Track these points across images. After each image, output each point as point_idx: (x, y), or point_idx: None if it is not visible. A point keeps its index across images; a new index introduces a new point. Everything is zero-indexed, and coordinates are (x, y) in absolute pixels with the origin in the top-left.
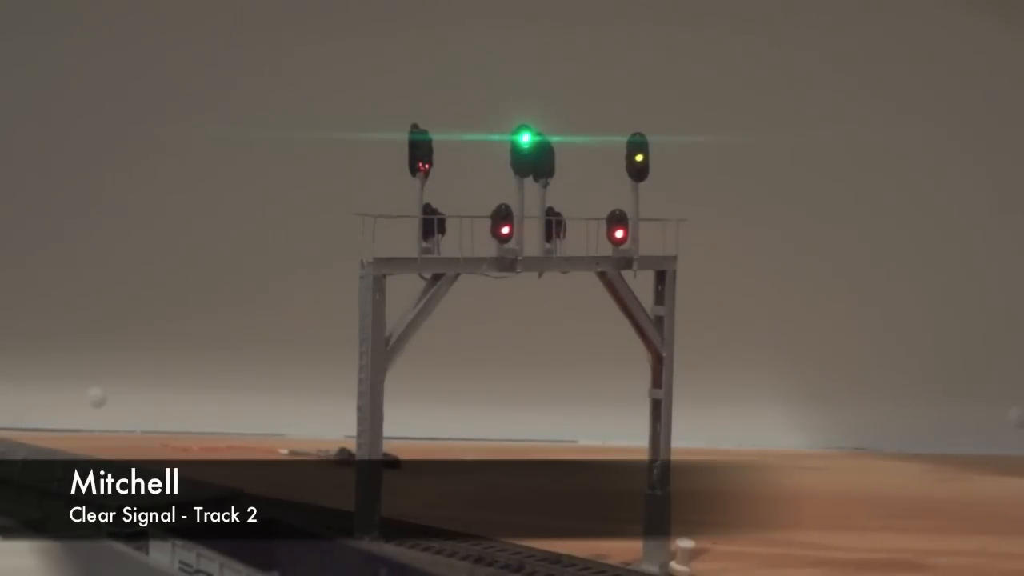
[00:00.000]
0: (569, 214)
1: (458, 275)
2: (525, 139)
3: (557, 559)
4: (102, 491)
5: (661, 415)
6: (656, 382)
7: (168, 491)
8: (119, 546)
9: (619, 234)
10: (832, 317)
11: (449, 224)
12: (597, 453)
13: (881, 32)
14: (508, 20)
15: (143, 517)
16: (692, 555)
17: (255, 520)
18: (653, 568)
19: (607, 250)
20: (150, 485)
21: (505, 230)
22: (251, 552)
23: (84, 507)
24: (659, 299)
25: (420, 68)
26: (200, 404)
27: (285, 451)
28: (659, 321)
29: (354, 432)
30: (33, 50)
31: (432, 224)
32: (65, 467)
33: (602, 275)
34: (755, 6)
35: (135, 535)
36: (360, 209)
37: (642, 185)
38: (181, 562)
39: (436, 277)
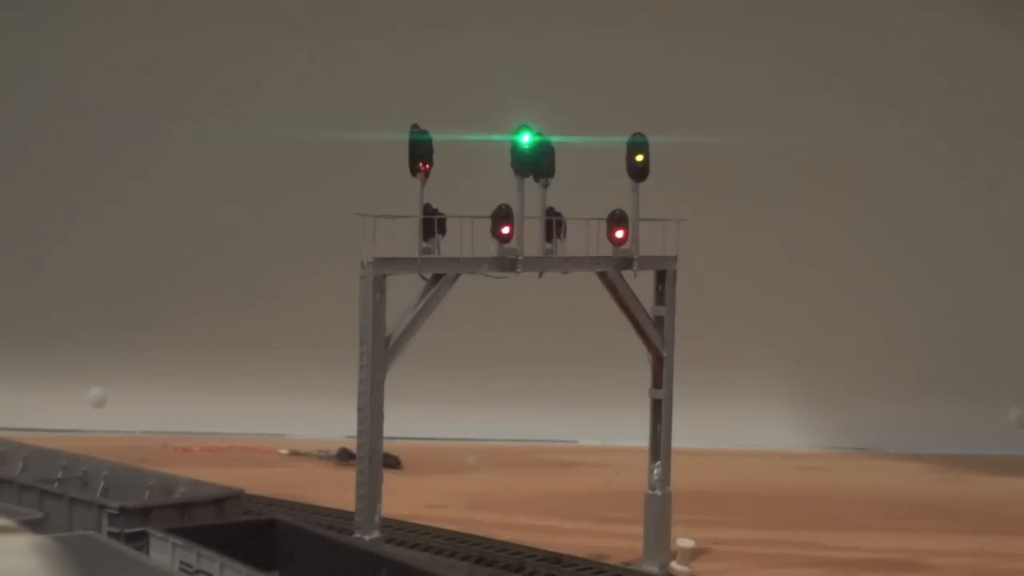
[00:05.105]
0: (569, 214)
1: (458, 275)
2: (525, 139)
3: (557, 559)
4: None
5: (661, 415)
6: (656, 382)
7: (169, 491)
8: (119, 546)
9: (619, 234)
10: (832, 318)
11: (449, 224)
12: (597, 453)
13: (882, 36)
14: (509, 21)
15: (143, 517)
16: (692, 555)
17: (255, 520)
18: (653, 568)
19: (607, 250)
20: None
21: (505, 230)
22: (251, 552)
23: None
24: (659, 299)
25: (421, 69)
26: (200, 404)
27: (285, 451)
28: (659, 321)
29: (354, 432)
30: (39, 52)
31: (432, 224)
32: (66, 467)
33: (602, 275)
34: (756, 9)
35: (135, 535)
36: (360, 209)
37: (642, 185)
38: (181, 562)
39: (436, 277)
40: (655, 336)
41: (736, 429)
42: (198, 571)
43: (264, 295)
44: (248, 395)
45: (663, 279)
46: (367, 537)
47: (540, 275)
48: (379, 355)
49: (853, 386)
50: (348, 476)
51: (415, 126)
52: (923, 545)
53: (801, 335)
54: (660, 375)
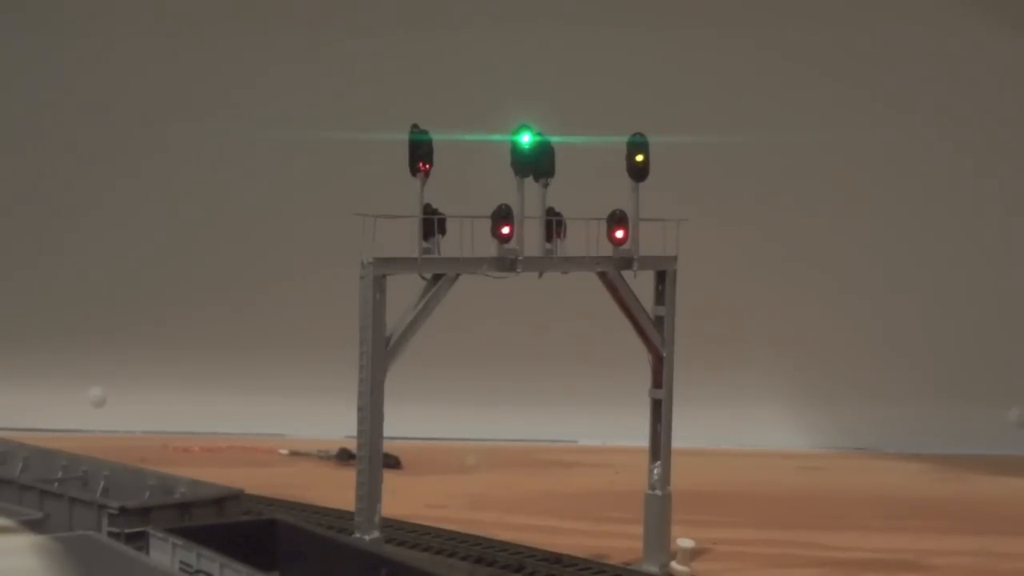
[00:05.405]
0: (569, 214)
1: (458, 275)
2: (525, 139)
3: (557, 559)
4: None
5: (661, 415)
6: (656, 382)
7: (169, 491)
8: (119, 546)
9: (619, 234)
10: (832, 318)
11: (449, 224)
12: (597, 453)
13: (882, 36)
14: (509, 21)
15: (143, 517)
16: (692, 555)
17: (255, 520)
18: (653, 568)
19: (607, 250)
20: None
21: (505, 230)
22: (251, 552)
23: (85, 507)
24: (659, 299)
25: (421, 69)
26: (200, 404)
27: (285, 451)
28: (659, 321)
29: (354, 432)
30: (39, 52)
31: (432, 224)
32: (66, 467)
33: (602, 275)
34: (756, 9)
35: (135, 535)
36: (360, 209)
37: (642, 185)
38: (181, 562)
39: (436, 277)
40: (655, 336)
41: (736, 429)
42: (198, 571)
43: (264, 295)
44: (248, 395)
45: (663, 279)
46: (367, 537)
47: (540, 275)
48: (379, 355)
49: (853, 386)
50: (348, 476)
51: (415, 126)
52: (923, 545)
53: (801, 335)
54: (660, 375)
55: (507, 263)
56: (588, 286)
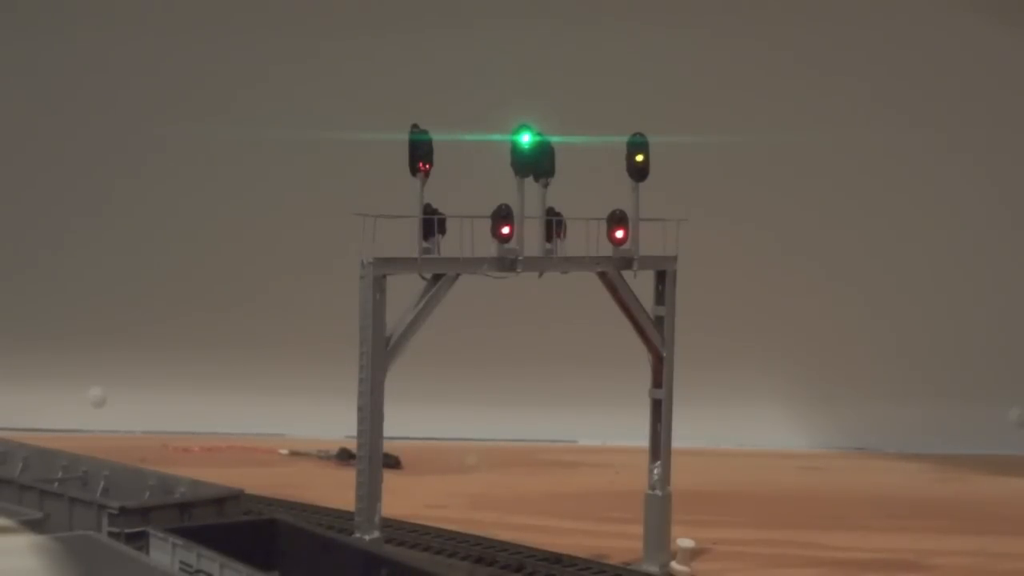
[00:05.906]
0: (569, 214)
1: (458, 275)
2: (525, 139)
3: (557, 559)
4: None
5: (661, 415)
6: (656, 382)
7: (169, 491)
8: (119, 546)
9: (619, 234)
10: (832, 318)
11: (449, 224)
12: (597, 453)
13: (881, 35)
14: (508, 21)
15: (143, 517)
16: (692, 555)
17: (255, 520)
18: (653, 568)
19: (607, 250)
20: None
21: (505, 230)
22: (251, 552)
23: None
24: (659, 299)
25: (421, 69)
26: (200, 404)
27: (285, 451)
28: (659, 321)
29: (354, 432)
30: (39, 52)
31: (432, 224)
32: (66, 467)
33: (602, 275)
34: (756, 8)
35: (135, 535)
36: (360, 209)
37: (642, 185)
38: (181, 562)
39: (436, 277)
40: (655, 336)
41: (736, 429)
42: (198, 571)
43: (264, 295)
44: (248, 395)
45: (663, 279)
46: (367, 537)
47: (540, 275)
48: (379, 355)
49: (853, 386)
50: (348, 476)
51: (415, 126)
52: (923, 545)
53: (801, 335)
54: (660, 375)
55: (507, 263)
56: (588, 286)
